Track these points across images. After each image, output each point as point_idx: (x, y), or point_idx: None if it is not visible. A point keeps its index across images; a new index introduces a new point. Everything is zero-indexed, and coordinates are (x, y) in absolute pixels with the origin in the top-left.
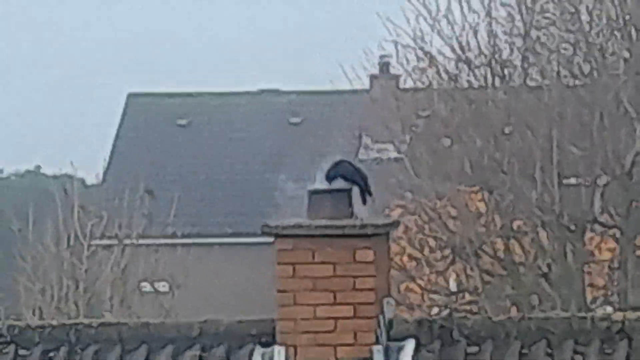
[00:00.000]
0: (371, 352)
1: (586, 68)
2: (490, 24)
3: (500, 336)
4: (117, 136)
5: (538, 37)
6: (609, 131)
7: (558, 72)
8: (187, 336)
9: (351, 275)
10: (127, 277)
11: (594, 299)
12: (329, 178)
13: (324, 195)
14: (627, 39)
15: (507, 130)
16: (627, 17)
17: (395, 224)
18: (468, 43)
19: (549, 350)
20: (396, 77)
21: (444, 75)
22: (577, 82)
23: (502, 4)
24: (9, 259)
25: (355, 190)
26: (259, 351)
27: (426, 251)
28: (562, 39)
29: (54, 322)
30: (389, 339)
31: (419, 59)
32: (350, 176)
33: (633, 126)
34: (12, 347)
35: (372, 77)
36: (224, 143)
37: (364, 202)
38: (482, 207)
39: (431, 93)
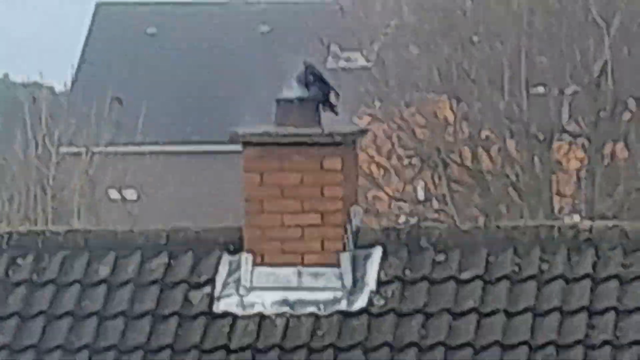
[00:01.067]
0: (338, 259)
1: None
2: None
3: (468, 244)
4: (85, 44)
5: None
6: (577, 40)
7: None
8: (155, 244)
9: (319, 183)
10: (94, 184)
11: (562, 208)
12: (299, 82)
13: (292, 103)
14: None
15: (475, 39)
16: None
17: (363, 132)
18: None
19: (516, 259)
20: None
21: None
22: None
23: None
24: None
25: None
26: (226, 258)
27: (394, 159)
28: None
29: (21, 229)
30: (356, 246)
31: None
32: (312, 83)
33: (601, 36)
34: None
35: None
36: (193, 51)
37: (333, 111)
38: (450, 115)
39: (400, 1)
